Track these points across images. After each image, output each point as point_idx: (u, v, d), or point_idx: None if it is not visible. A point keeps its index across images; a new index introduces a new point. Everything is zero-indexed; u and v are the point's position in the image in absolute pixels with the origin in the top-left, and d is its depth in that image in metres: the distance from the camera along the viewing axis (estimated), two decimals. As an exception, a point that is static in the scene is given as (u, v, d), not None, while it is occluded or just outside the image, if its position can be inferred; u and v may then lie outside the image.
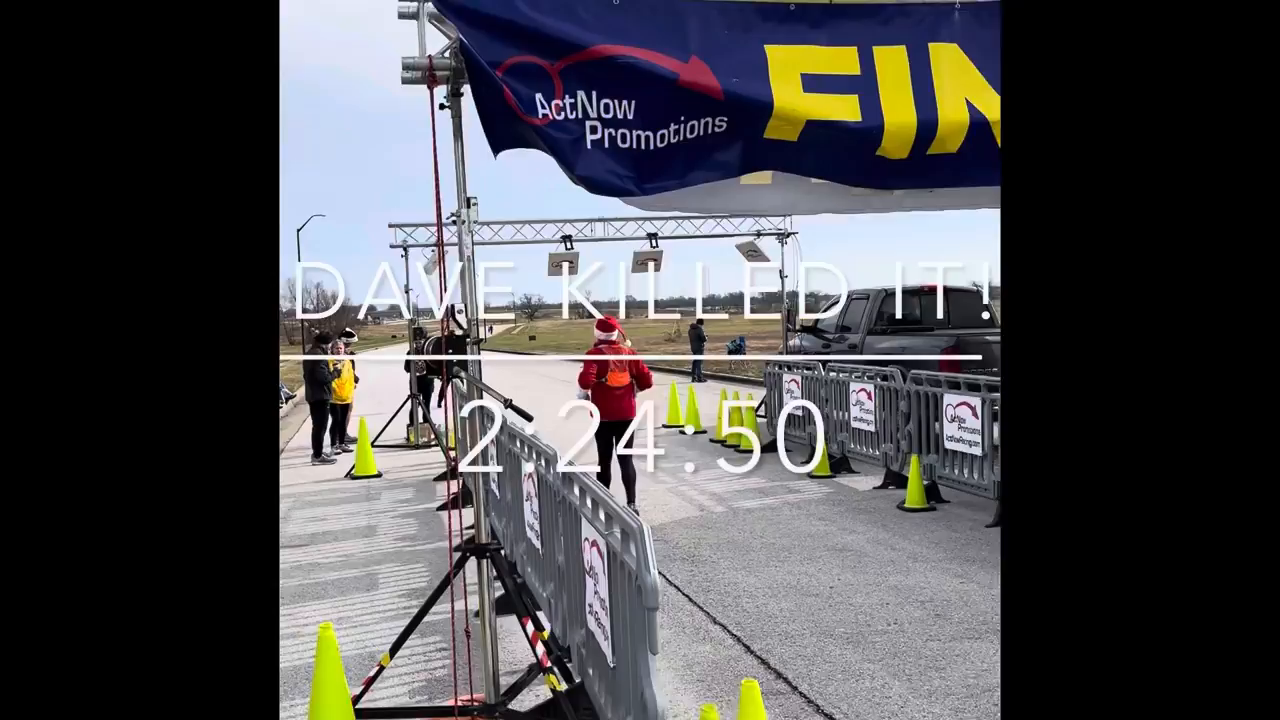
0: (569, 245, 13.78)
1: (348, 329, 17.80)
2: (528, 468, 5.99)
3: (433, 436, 14.05)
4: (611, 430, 8.94)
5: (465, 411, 4.23)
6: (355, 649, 5.80)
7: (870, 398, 10.44)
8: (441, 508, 9.97)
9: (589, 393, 9.00)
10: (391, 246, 13.90)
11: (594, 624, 4.21)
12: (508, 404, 3.93)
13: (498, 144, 4.10)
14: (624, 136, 4.05)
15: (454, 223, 4.06)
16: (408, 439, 14.79)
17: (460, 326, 3.99)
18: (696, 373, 26.71)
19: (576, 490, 4.57)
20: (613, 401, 8.87)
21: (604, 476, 8.47)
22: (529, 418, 3.94)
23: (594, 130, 4.02)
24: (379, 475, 12.20)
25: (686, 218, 14.31)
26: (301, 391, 22.92)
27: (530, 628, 4.04)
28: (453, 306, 3.99)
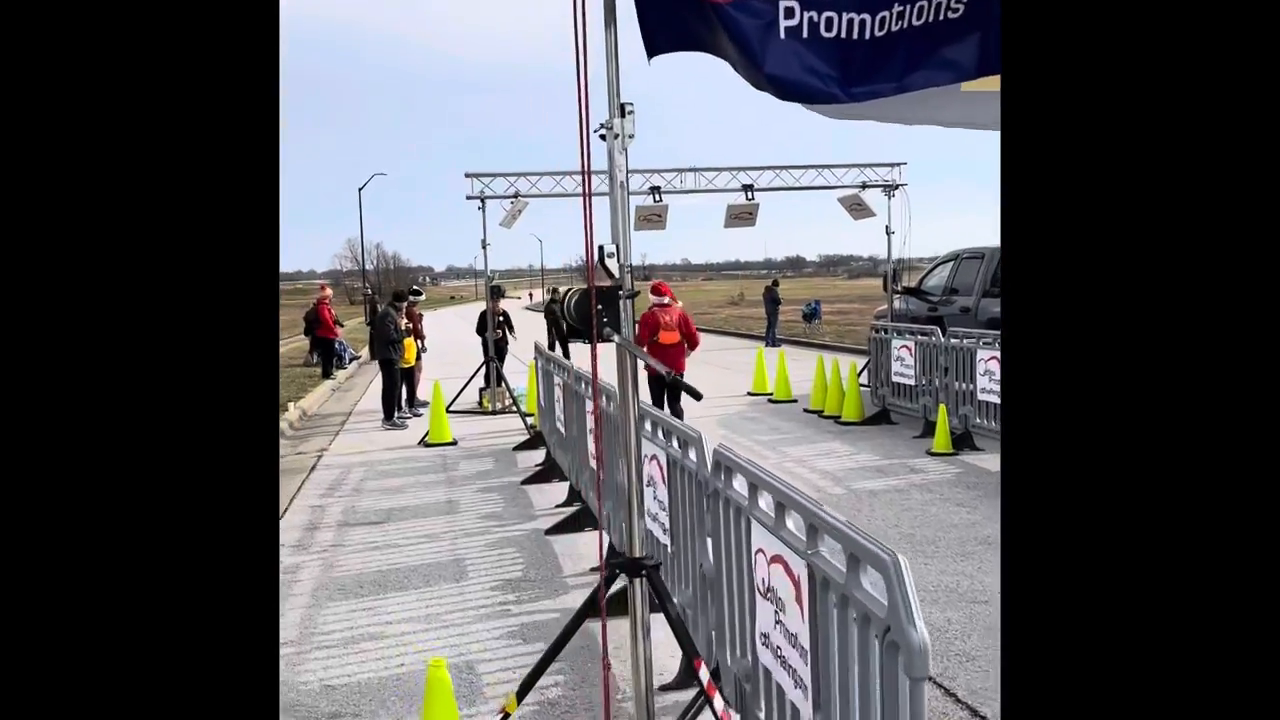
0: (658, 197, 12.70)
1: (415, 287, 17.08)
2: (650, 449, 5.07)
3: (509, 402, 13.24)
4: (664, 383, 9.94)
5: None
6: (451, 656, 4.96)
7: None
8: (527, 481, 9.14)
9: (644, 350, 9.97)
10: (468, 198, 12.90)
11: (772, 661, 3.28)
12: (672, 379, 2.99)
13: (656, 43, 3.14)
14: (829, 22, 3.03)
15: (603, 137, 3.09)
16: (481, 404, 14.01)
17: (611, 275, 3.04)
18: (770, 337, 25.60)
19: (741, 485, 3.63)
20: (665, 357, 9.84)
21: None
22: (698, 396, 2.99)
23: (789, 14, 3.01)
24: (454, 443, 11.43)
25: (785, 167, 13.14)
26: (366, 351, 22.37)
27: (704, 673, 3.11)
28: (602, 249, 3.03)
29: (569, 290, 3.12)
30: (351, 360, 22.82)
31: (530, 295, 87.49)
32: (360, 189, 49.03)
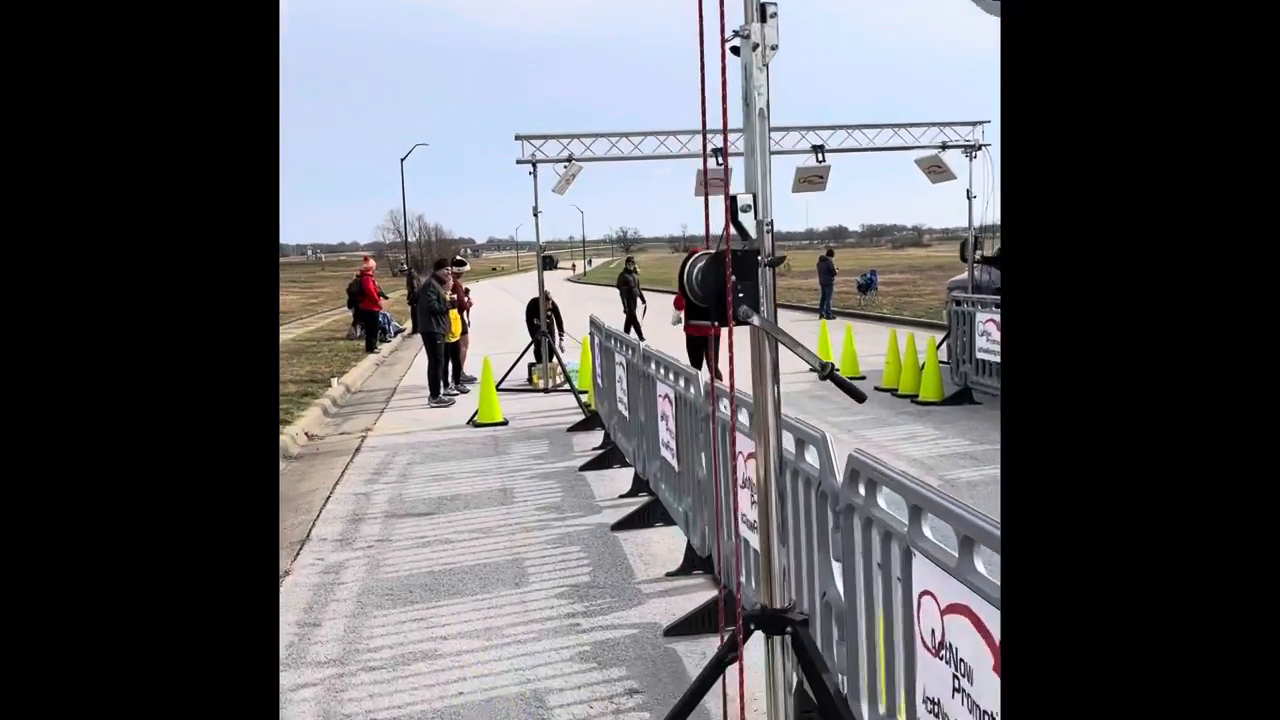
0: (720, 160, 11.88)
1: (459, 257, 16.43)
2: (747, 444, 4.32)
3: (561, 379, 12.55)
4: (700, 345, 10.76)
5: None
6: (515, 683, 4.29)
7: (1110, 345, 8.44)
8: (585, 467, 8.45)
9: (682, 315, 10.74)
10: (518, 162, 12.14)
11: (944, 736, 2.54)
12: (827, 372, 2.23)
13: None
14: None
15: (735, 50, 2.32)
16: (531, 380, 13.35)
17: (745, 234, 2.28)
18: (825, 309, 24.69)
19: (894, 505, 2.87)
20: (703, 328, 11.27)
21: None
22: (861, 397, 2.23)
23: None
24: (505, 423, 10.78)
25: (858, 126, 12.21)
26: (409, 325, 21.85)
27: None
28: (735, 200, 2.27)
29: (692, 255, 2.36)
30: (396, 333, 22.32)
31: (574, 267, 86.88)
32: (402, 160, 48.42)
